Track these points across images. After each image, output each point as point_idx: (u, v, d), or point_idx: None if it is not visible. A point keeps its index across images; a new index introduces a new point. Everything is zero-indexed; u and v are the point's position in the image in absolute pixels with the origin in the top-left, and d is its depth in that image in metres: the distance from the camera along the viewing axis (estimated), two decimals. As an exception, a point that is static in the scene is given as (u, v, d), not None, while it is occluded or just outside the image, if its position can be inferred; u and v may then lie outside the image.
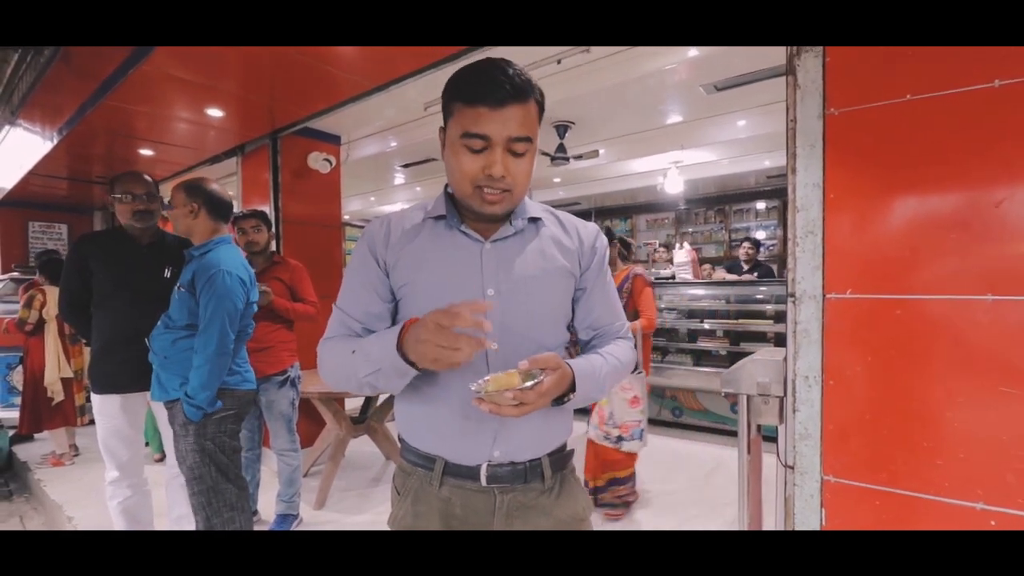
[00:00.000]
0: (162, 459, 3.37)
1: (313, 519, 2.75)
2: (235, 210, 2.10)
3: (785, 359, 1.50)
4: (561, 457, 0.95)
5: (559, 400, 0.84)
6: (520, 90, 0.79)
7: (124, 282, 2.01)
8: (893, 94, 1.30)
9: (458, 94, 0.81)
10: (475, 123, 0.79)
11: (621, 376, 0.95)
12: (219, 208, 1.90)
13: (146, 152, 3.95)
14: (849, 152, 1.35)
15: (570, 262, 0.94)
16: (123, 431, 2.08)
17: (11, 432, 4.03)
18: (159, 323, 1.87)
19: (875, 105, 1.32)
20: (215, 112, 3.11)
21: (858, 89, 1.34)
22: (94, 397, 2.05)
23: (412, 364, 0.77)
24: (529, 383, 0.75)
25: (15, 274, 5.39)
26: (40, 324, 3.62)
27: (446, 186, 0.94)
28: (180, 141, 3.68)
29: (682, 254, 4.77)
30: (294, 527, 2.61)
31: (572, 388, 0.84)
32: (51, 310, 3.62)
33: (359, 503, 2.96)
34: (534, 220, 0.94)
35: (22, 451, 3.96)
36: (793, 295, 1.44)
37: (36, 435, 4.02)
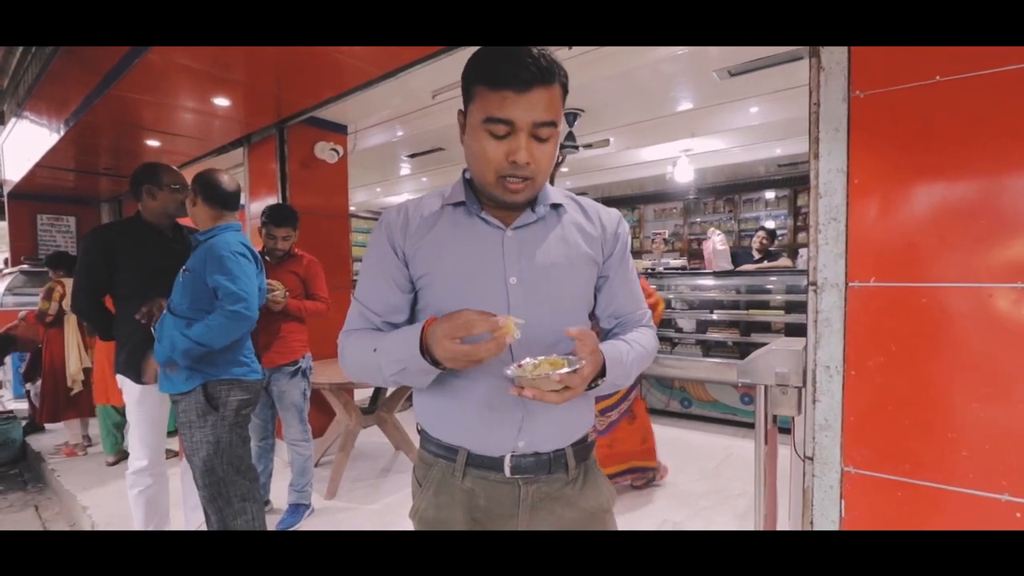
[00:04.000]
0: (115, 463, 3.40)
1: (325, 509, 2.77)
2: (241, 200, 2.09)
3: (805, 349, 1.48)
4: (584, 447, 0.94)
5: (589, 384, 0.82)
6: (546, 72, 0.76)
7: (157, 273, 2.00)
8: (922, 75, 1.26)
9: (480, 76, 0.77)
10: (499, 107, 0.76)
11: (645, 363, 0.92)
12: (215, 196, 1.89)
13: (152, 143, 3.94)
14: (875, 136, 1.32)
15: (593, 249, 0.91)
16: (158, 420, 2.10)
17: (23, 422, 4.07)
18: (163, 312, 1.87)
19: (903, 87, 1.28)
20: (221, 101, 3.08)
21: (885, 70, 1.29)
22: (130, 388, 2.04)
23: (436, 363, 0.77)
24: (568, 368, 0.73)
25: (25, 266, 5.43)
26: (59, 316, 3.64)
27: (464, 171, 0.91)
28: (186, 131, 3.66)
29: (719, 241, 4.58)
30: (306, 516, 2.62)
31: (602, 373, 0.82)
32: (70, 301, 3.63)
33: (370, 493, 2.97)
34: (555, 206, 0.91)
35: (35, 441, 4.00)
36: (815, 283, 1.40)
37: (48, 426, 4.06)
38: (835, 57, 1.34)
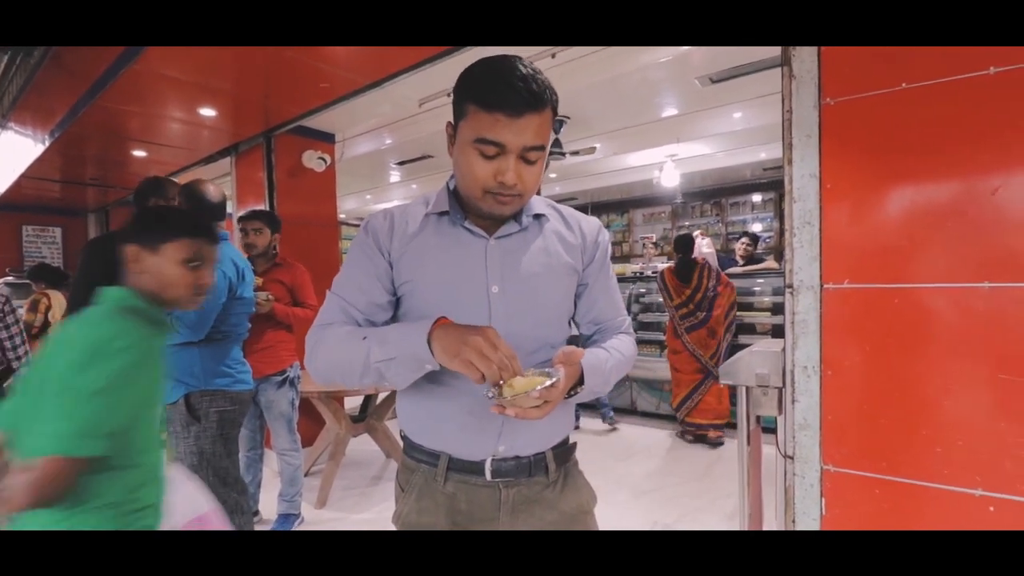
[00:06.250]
0: None
1: (315, 518, 2.76)
2: (228, 210, 2.11)
3: (783, 350, 1.51)
4: (564, 451, 0.95)
5: (567, 393, 0.84)
6: (538, 98, 0.77)
7: None
8: (889, 83, 1.30)
9: (473, 96, 0.78)
10: (491, 130, 0.77)
11: (624, 369, 0.94)
12: (202, 207, 1.91)
13: (139, 153, 3.92)
14: (845, 142, 1.35)
15: (573, 258, 0.93)
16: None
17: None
18: None
19: (871, 94, 1.32)
20: (208, 111, 3.09)
21: (854, 78, 1.34)
22: None
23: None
24: (550, 382, 0.74)
25: (9, 279, 5.37)
26: (44, 327, 3.61)
27: (448, 180, 0.93)
28: (173, 141, 3.66)
29: (706, 245, 4.76)
30: (296, 526, 2.61)
31: (580, 382, 0.84)
32: (56, 314, 3.61)
33: (360, 501, 2.96)
34: (538, 216, 0.93)
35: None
36: (791, 286, 1.44)
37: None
38: (806, 65, 1.38)
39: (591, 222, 0.99)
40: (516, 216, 0.90)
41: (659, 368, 4.32)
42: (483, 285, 0.86)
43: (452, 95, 0.84)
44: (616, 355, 0.92)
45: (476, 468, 0.88)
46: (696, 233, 4.49)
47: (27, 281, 4.11)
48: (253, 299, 2.09)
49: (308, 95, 2.95)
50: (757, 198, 7.48)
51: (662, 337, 4.56)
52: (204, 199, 1.91)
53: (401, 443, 0.98)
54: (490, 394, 0.74)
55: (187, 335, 1.77)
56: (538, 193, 0.99)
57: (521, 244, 0.90)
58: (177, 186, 2.11)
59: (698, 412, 3.81)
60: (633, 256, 8.27)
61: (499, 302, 0.86)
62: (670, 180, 5.59)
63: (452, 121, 0.85)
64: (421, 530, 0.89)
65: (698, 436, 3.85)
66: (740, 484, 1.78)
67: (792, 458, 1.47)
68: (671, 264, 3.91)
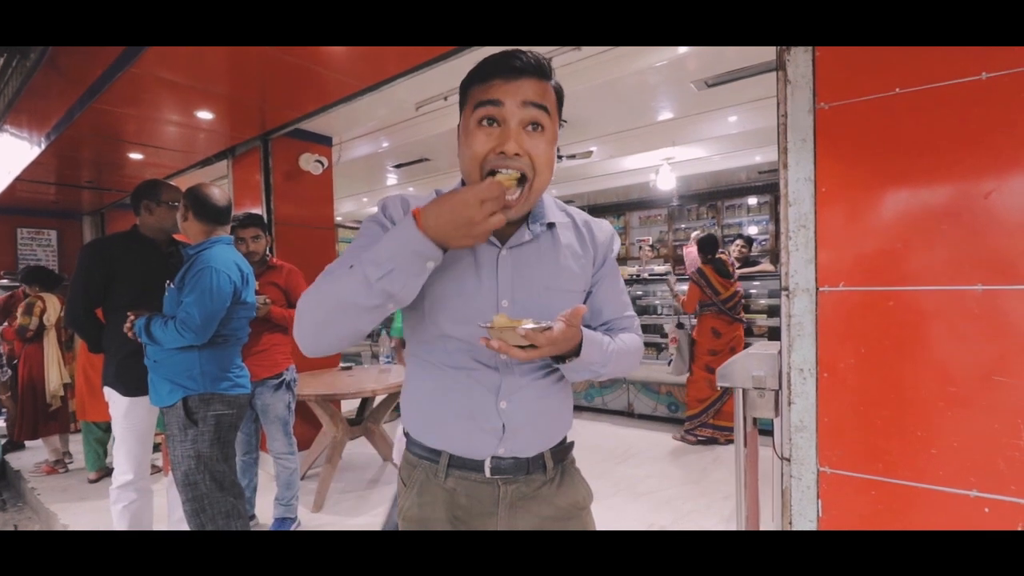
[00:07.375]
0: (96, 479, 3.36)
1: (311, 522, 2.75)
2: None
3: (780, 353, 1.52)
4: (562, 449, 0.96)
5: (560, 359, 0.83)
6: (537, 66, 0.78)
7: (152, 286, 2.00)
8: (882, 88, 1.31)
9: (474, 77, 0.81)
10: (487, 92, 0.78)
11: (627, 361, 0.93)
12: (205, 211, 1.90)
13: (135, 156, 3.91)
14: (840, 146, 1.37)
15: (584, 270, 0.93)
16: (145, 434, 2.09)
17: (2, 441, 4.00)
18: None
19: (865, 99, 1.33)
20: (205, 114, 3.09)
21: (848, 83, 1.35)
22: (119, 400, 2.02)
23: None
24: (539, 324, 0.73)
25: (4, 281, 5.35)
26: (39, 331, 3.59)
27: (463, 181, 0.93)
28: (170, 144, 3.65)
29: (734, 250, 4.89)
30: (292, 530, 2.60)
31: (577, 352, 0.83)
32: (51, 317, 3.59)
33: (357, 505, 2.95)
34: (550, 226, 0.91)
35: (14, 460, 3.92)
36: (787, 289, 1.45)
37: (28, 443, 3.98)
38: (800, 70, 1.39)
39: (604, 229, 0.98)
40: (529, 223, 0.88)
41: (655, 370, 4.33)
42: (493, 298, 0.85)
43: (459, 96, 0.85)
44: (619, 342, 0.91)
45: (476, 466, 0.89)
46: (694, 234, 4.53)
47: (20, 284, 4.09)
48: (255, 303, 2.09)
49: (305, 98, 2.95)
50: (753, 201, 7.50)
51: (660, 339, 4.57)
52: (209, 202, 1.91)
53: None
54: (485, 324, 0.75)
55: (191, 338, 1.76)
56: None
57: (533, 256, 0.88)
58: (173, 189, 2.11)
59: (724, 415, 3.87)
60: (630, 259, 8.28)
61: (508, 315, 0.85)
62: (666, 183, 5.61)
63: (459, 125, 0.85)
64: (420, 530, 0.90)
65: (716, 439, 3.89)
66: (737, 486, 1.79)
67: (789, 460, 1.48)
68: (707, 264, 3.99)
